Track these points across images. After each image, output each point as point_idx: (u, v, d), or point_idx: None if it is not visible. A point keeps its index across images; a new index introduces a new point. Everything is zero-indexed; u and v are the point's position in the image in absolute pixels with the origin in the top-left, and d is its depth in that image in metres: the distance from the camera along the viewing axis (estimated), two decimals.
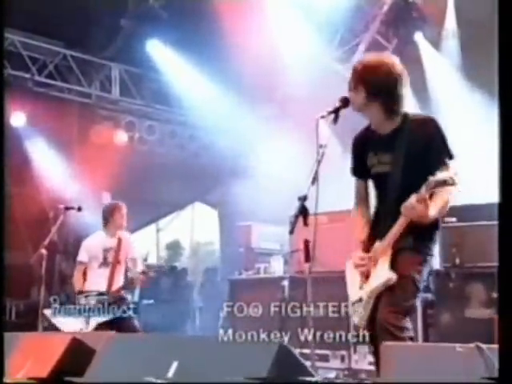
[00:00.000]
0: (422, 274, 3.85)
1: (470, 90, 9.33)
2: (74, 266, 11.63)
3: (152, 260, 15.09)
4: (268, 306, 7.99)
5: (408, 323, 3.76)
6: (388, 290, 3.81)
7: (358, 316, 3.95)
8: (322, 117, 3.91)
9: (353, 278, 4.10)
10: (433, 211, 3.68)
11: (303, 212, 3.73)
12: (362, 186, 4.21)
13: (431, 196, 3.68)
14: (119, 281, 6.87)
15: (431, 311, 7.01)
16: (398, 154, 3.88)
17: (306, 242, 3.75)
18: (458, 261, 6.97)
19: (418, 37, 9.80)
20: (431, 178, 3.54)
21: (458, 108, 8.96)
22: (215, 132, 11.53)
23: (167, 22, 10.94)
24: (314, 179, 3.78)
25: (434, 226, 3.90)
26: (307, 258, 3.74)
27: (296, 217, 3.72)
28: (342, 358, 7.51)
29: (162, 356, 3.13)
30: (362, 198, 4.22)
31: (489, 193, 7.12)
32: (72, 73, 11.37)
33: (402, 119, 3.94)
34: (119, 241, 6.90)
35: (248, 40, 9.72)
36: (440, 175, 3.53)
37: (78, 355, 3.57)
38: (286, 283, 8.08)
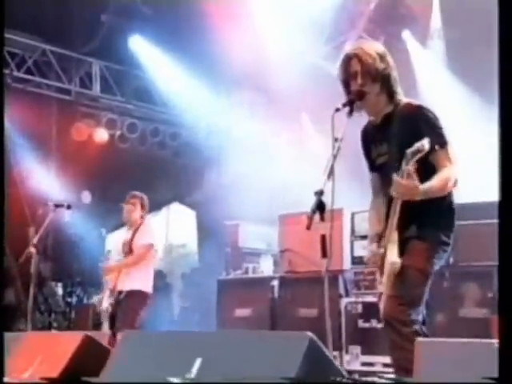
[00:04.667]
0: (430, 262, 3.78)
1: (458, 86, 9.32)
2: (52, 266, 11.55)
3: None
4: (258, 306, 7.96)
5: (413, 316, 3.69)
6: (395, 281, 3.74)
7: (381, 312, 3.90)
8: (337, 110, 3.78)
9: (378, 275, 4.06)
10: (425, 185, 3.59)
11: (320, 207, 3.59)
12: (375, 179, 4.14)
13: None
14: (132, 275, 6.78)
15: (425, 311, 6.96)
16: (391, 143, 3.87)
17: (323, 237, 3.62)
18: (452, 260, 6.92)
19: (406, 34, 9.75)
20: (408, 150, 3.50)
21: (448, 106, 8.92)
22: (199, 130, 11.39)
23: (150, 17, 10.77)
24: (330, 174, 3.65)
25: (439, 211, 3.81)
26: (324, 254, 3.60)
27: (313, 212, 3.58)
28: (334, 359, 7.44)
29: (183, 353, 2.97)
30: (376, 192, 4.15)
31: (483, 191, 7.12)
32: (51, 68, 11.14)
33: (394, 107, 3.91)
34: (134, 232, 6.84)
35: (233, 37, 9.60)
36: (415, 144, 3.48)
37: (90, 353, 3.45)
38: (275, 283, 8.00)
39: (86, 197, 11.58)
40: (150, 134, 11.70)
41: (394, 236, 3.79)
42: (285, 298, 7.88)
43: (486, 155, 8.26)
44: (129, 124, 11.46)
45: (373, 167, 4.13)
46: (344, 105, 3.84)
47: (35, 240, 6.29)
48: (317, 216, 8.40)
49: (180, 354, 2.98)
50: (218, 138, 10.98)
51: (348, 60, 3.92)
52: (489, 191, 6.89)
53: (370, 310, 7.12)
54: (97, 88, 11.37)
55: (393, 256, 3.77)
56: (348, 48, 4.05)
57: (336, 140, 3.73)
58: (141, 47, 11.17)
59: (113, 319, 6.83)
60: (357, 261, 7.54)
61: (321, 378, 2.82)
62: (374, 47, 3.95)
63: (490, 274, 6.63)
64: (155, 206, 14.47)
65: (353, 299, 7.36)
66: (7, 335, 3.84)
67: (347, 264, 7.63)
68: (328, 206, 3.67)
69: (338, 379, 2.79)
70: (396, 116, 3.87)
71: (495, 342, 2.70)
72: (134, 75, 11.63)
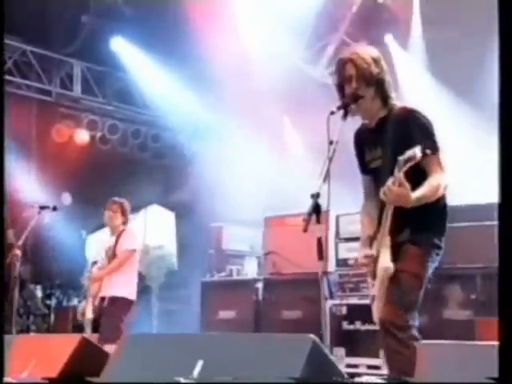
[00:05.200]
0: (424, 267, 3.78)
1: (439, 89, 9.39)
2: (31, 269, 11.43)
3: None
4: (242, 308, 7.97)
5: (410, 321, 3.69)
6: (390, 286, 3.75)
7: (375, 315, 3.89)
8: (332, 113, 3.80)
9: (368, 278, 4.06)
10: (416, 193, 3.61)
11: (316, 209, 3.60)
12: (368, 182, 4.15)
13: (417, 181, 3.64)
14: (115, 281, 6.73)
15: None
16: (385, 147, 3.89)
17: (319, 240, 3.62)
18: None
19: (388, 38, 9.79)
20: (400, 158, 3.51)
21: (430, 107, 8.99)
22: (180, 132, 11.36)
23: (132, 18, 10.73)
24: (326, 177, 3.66)
25: (432, 216, 3.82)
26: (320, 256, 3.61)
27: (309, 214, 3.58)
28: None
29: (184, 356, 2.95)
30: (368, 195, 4.16)
31: (466, 194, 7.19)
32: (32, 69, 11.05)
33: (388, 110, 3.94)
34: (117, 238, 6.80)
35: (216, 39, 9.59)
36: (407, 152, 3.49)
37: (88, 356, 3.43)
38: (260, 285, 8.03)
39: (66, 198, 11.49)
40: (131, 136, 11.65)
41: (386, 241, 3.81)
42: (269, 300, 7.90)
43: (467, 156, 8.34)
44: (110, 125, 11.40)
45: (365, 170, 4.14)
46: (339, 108, 3.86)
47: (20, 242, 6.25)
48: (299, 219, 8.44)
49: (181, 357, 2.97)
50: (200, 141, 10.95)
51: (343, 64, 3.94)
52: (471, 194, 6.98)
53: (354, 312, 7.16)
54: (78, 89, 11.31)
55: (386, 261, 3.79)
56: (342, 53, 4.08)
57: (331, 143, 3.74)
58: (122, 48, 11.11)
59: (96, 326, 6.77)
60: (341, 263, 7.59)
61: (324, 380, 2.83)
62: (368, 52, 3.98)
63: (473, 276, 6.69)
64: (135, 207, 14.43)
65: (337, 301, 7.38)
66: None
67: (332, 266, 7.67)
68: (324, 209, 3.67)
69: (341, 380, 2.80)
70: (390, 120, 3.90)
71: (496, 343, 2.73)
72: (115, 76, 11.59)
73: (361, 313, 7.04)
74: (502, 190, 2.69)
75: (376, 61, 3.92)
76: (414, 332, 3.68)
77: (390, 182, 3.56)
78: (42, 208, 6.65)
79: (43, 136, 11.32)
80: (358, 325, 7.14)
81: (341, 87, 3.97)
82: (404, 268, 3.74)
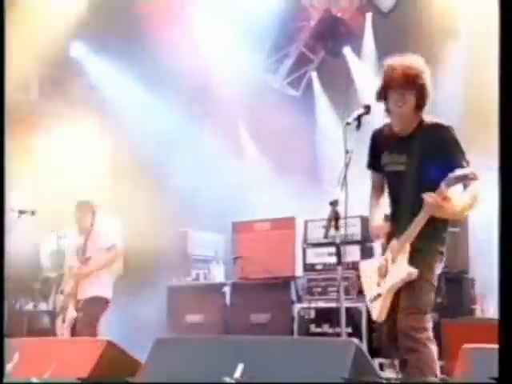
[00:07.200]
0: (433, 272, 4.04)
1: None
2: None
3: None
4: (210, 312, 8.04)
5: (426, 323, 3.93)
6: (405, 292, 3.98)
7: (377, 311, 4.10)
8: (348, 123, 4.00)
9: (369, 277, 4.24)
10: (460, 205, 3.87)
11: (335, 216, 3.80)
12: (378, 178, 4.34)
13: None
14: (93, 281, 6.71)
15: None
16: (413, 155, 4.05)
17: (338, 246, 3.83)
18: None
19: (346, 50, 10.05)
20: (450, 175, 3.73)
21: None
22: (137, 136, 11.29)
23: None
24: (343, 184, 3.87)
25: (438, 225, 4.04)
26: (339, 261, 3.81)
27: (329, 221, 3.78)
28: None
29: (226, 358, 3.00)
30: (376, 188, 4.36)
31: None
32: None
33: (418, 123, 4.11)
34: (86, 237, 6.74)
35: (174, 45, 9.65)
36: (460, 171, 3.73)
37: (115, 359, 3.45)
38: (227, 289, 8.14)
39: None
40: None
41: (407, 246, 4.01)
42: (237, 304, 8.01)
43: None
44: None
45: (378, 168, 4.30)
46: (354, 119, 4.06)
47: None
48: (267, 224, 8.58)
49: (223, 360, 3.03)
50: (160, 147, 10.92)
51: (392, 70, 4.06)
52: None
53: (322, 316, 7.35)
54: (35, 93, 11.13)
55: (405, 265, 3.98)
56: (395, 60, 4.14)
57: (347, 152, 3.95)
58: (79, 52, 10.98)
59: (73, 327, 6.75)
60: (309, 268, 7.76)
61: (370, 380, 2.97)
62: (417, 63, 4.08)
63: (438, 279, 6.97)
64: None
65: (305, 305, 7.54)
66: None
67: (299, 271, 7.85)
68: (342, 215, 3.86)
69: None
70: (423, 132, 4.07)
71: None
72: (73, 81, 11.44)
73: (328, 316, 7.24)
74: (503, 191, 2.85)
75: (423, 73, 4.04)
76: (430, 334, 3.92)
77: (435, 195, 3.77)
78: (21, 212, 6.55)
79: None
80: (325, 328, 7.30)
81: (386, 88, 4.10)
82: (419, 275, 3.95)
